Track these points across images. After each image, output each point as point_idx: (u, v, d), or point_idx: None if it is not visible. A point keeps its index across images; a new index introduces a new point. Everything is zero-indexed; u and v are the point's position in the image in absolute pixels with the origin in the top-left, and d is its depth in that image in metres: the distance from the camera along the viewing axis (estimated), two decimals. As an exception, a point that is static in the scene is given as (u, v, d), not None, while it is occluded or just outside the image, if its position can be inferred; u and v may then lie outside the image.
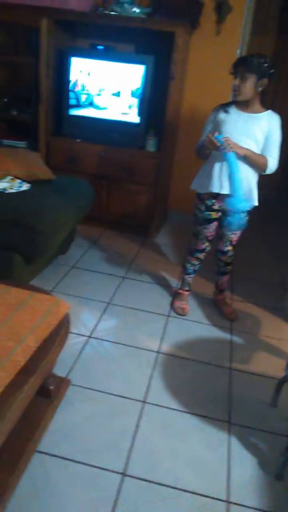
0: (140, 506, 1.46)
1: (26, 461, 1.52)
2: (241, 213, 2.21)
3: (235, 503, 1.51)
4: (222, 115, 2.20)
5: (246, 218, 2.35)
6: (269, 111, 2.18)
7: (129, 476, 1.56)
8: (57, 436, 1.67)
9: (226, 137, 2.05)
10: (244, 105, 2.16)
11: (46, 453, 1.60)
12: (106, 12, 3.18)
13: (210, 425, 1.83)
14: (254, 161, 2.15)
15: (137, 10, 3.17)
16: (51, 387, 1.74)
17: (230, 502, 1.51)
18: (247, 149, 2.12)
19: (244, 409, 1.94)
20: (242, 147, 2.10)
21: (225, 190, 2.23)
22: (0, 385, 1.26)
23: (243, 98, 2.11)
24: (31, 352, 1.43)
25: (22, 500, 1.43)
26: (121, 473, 1.56)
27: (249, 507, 1.50)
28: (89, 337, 2.29)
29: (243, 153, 2.09)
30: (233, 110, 2.19)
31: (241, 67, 2.05)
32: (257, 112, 2.16)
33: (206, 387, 2.06)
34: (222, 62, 3.46)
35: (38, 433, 1.61)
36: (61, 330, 1.61)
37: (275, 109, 2.22)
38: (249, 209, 2.26)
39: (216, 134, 2.07)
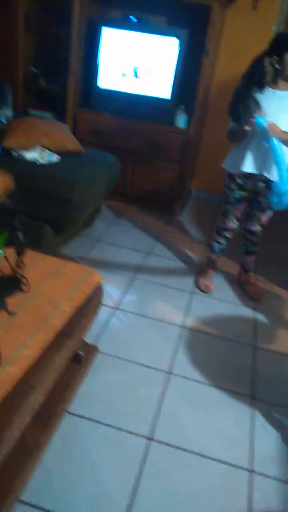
0: (166, 470, 1.51)
1: (57, 421, 1.58)
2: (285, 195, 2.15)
3: (259, 473, 1.55)
4: (256, 93, 2.15)
5: None
6: None
7: (155, 441, 1.61)
8: (86, 400, 1.73)
9: (270, 123, 2.02)
10: (275, 83, 2.13)
11: (76, 415, 1.66)
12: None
13: (234, 399, 1.87)
14: None
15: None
16: (82, 353, 1.79)
17: (254, 472, 1.55)
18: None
19: (267, 386, 1.97)
20: (284, 132, 2.06)
21: (259, 171, 2.21)
22: (40, 347, 1.31)
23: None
24: (67, 317, 1.47)
25: (54, 457, 1.49)
26: (148, 438, 1.62)
27: (272, 477, 1.55)
28: (116, 308, 2.33)
29: (285, 138, 2.06)
30: (266, 89, 2.15)
31: None
32: None
33: (230, 362, 2.09)
34: (257, 38, 3.35)
35: (69, 395, 1.66)
36: (95, 298, 1.64)
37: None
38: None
39: (259, 114, 2.03)
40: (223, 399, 1.86)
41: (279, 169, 2.06)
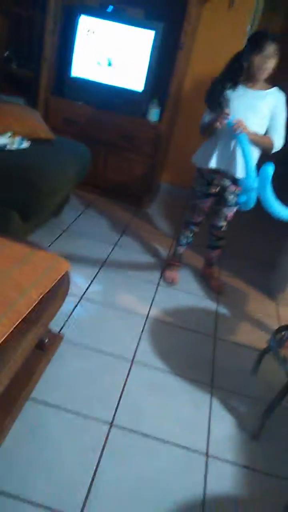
0: (125, 455, 1.56)
1: (20, 407, 1.59)
2: (254, 193, 2.19)
3: (214, 457, 1.63)
4: (228, 92, 2.19)
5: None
6: (276, 88, 2.19)
7: (116, 426, 1.66)
8: (49, 387, 1.75)
9: (239, 120, 2.06)
10: (250, 82, 2.17)
11: (39, 401, 1.68)
12: None
13: (194, 386, 1.94)
14: (262, 144, 2.20)
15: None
16: (46, 341, 1.80)
17: (209, 456, 1.63)
18: (254, 133, 2.14)
19: (226, 375, 2.05)
20: (250, 132, 2.11)
21: (226, 167, 2.27)
22: (4, 332, 1.31)
23: (266, 77, 2.13)
24: (33, 304, 1.48)
25: (16, 442, 1.50)
26: (109, 424, 1.66)
27: (226, 460, 1.63)
28: (81, 297, 2.35)
29: (251, 138, 2.11)
30: (239, 87, 2.19)
31: (274, 46, 2.02)
32: (264, 89, 2.17)
33: (191, 352, 2.16)
34: (231, 36, 3.44)
35: (32, 381, 1.67)
36: (62, 286, 1.66)
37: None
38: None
39: (227, 115, 2.08)
40: (183, 387, 1.93)
41: (247, 166, 2.09)
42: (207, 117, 2.27)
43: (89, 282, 2.51)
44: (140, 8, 3.45)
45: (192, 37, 3.40)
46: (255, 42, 2.06)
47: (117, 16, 3.23)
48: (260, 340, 2.32)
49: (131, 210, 3.61)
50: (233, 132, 2.08)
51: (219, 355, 2.18)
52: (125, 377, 1.90)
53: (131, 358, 2.01)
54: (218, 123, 2.11)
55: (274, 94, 2.17)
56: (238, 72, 2.16)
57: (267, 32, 2.07)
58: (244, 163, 2.10)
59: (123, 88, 3.34)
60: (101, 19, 3.21)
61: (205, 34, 3.51)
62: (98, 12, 3.28)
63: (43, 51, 3.33)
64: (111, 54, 3.28)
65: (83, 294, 2.38)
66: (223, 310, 2.57)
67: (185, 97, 3.72)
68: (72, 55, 3.33)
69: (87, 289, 2.44)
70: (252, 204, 2.16)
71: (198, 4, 3.14)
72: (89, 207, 3.47)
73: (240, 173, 2.25)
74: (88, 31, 3.25)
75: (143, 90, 3.32)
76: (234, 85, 2.18)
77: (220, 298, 2.68)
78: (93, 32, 3.25)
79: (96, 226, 3.20)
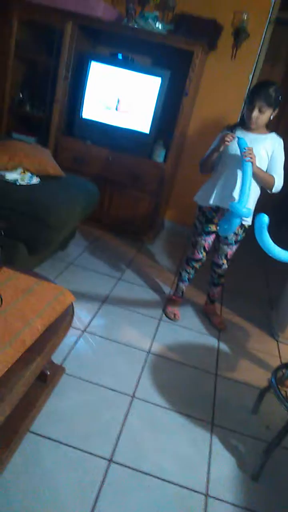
0: (124, 492, 1.54)
1: (19, 439, 1.58)
2: (238, 220, 2.24)
3: (213, 497, 1.60)
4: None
5: (243, 234, 2.48)
6: (273, 133, 2.31)
7: (115, 463, 1.64)
8: (49, 420, 1.74)
9: (251, 148, 2.15)
10: (248, 128, 2.28)
11: (38, 434, 1.67)
12: (130, 24, 3.32)
13: (194, 424, 1.92)
14: (263, 179, 2.26)
15: (160, 26, 3.32)
16: (48, 372, 1.81)
17: (209, 496, 1.60)
18: (259, 168, 2.23)
19: (226, 413, 2.04)
20: (256, 164, 2.20)
21: (226, 205, 2.35)
22: (8, 361, 1.34)
23: (257, 128, 2.25)
24: (38, 334, 1.51)
25: (14, 475, 1.49)
26: (108, 460, 1.64)
27: (225, 501, 1.59)
28: (84, 331, 2.37)
29: (255, 170, 2.19)
30: (239, 131, 2.31)
31: (261, 101, 2.14)
32: (262, 134, 2.28)
33: (192, 389, 2.15)
34: (234, 85, 3.64)
35: (32, 414, 1.68)
36: (66, 317, 1.69)
37: (278, 132, 2.36)
38: (247, 218, 2.34)
39: (233, 137, 2.18)
40: (183, 424, 1.91)
41: (242, 191, 2.15)
42: (210, 149, 2.37)
43: (92, 316, 2.53)
44: (148, 56, 3.67)
45: (196, 84, 3.59)
46: (250, 94, 2.22)
47: (126, 63, 3.43)
48: (261, 378, 2.31)
49: (135, 246, 3.68)
50: (243, 156, 2.14)
51: (220, 393, 2.17)
52: (125, 412, 1.89)
53: (132, 393, 2.01)
54: (226, 142, 2.19)
55: (272, 138, 2.28)
56: (242, 116, 2.31)
57: (261, 84, 2.22)
58: (241, 188, 2.17)
59: (130, 130, 3.50)
60: (111, 66, 3.41)
61: (209, 82, 3.70)
62: (108, 59, 3.48)
63: (55, 94, 3.52)
64: (120, 98, 3.45)
65: (86, 328, 2.40)
66: (224, 347, 2.58)
67: (189, 139, 3.88)
68: (83, 99, 3.51)
69: (90, 322, 2.47)
70: (232, 230, 2.23)
71: (203, 54, 3.34)
72: (94, 242, 3.54)
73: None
74: (99, 76, 3.43)
75: (149, 132, 3.47)
76: (242, 127, 2.31)
77: (221, 335, 2.69)
78: (103, 77, 3.43)
79: (100, 260, 3.26)
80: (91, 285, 2.86)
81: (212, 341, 2.60)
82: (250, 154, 2.13)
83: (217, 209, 2.44)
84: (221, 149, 2.26)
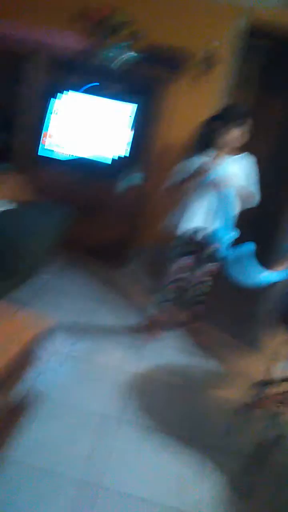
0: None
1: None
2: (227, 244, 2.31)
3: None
4: (198, 159, 2.37)
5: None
6: (246, 153, 2.42)
7: (102, 488, 1.60)
8: (31, 447, 1.70)
9: (225, 176, 2.25)
10: (223, 147, 2.36)
11: (17, 462, 1.62)
12: (101, 54, 3.41)
13: (181, 444, 1.90)
14: (246, 195, 2.35)
15: (130, 55, 3.42)
16: (26, 399, 1.77)
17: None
18: (240, 186, 2.32)
19: (214, 432, 2.03)
20: (235, 185, 2.29)
21: (204, 225, 2.40)
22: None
23: (230, 149, 2.34)
24: (12, 360, 1.48)
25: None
26: (94, 485, 1.60)
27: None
28: (64, 356, 2.34)
29: (237, 191, 2.29)
30: (212, 152, 2.37)
31: (234, 122, 2.27)
32: (236, 155, 2.38)
33: (178, 409, 2.14)
34: (206, 109, 3.72)
35: (8, 441, 1.63)
36: (42, 343, 1.67)
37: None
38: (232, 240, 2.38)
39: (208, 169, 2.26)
40: (171, 445, 1.89)
41: (226, 218, 2.25)
42: (180, 174, 2.42)
43: (73, 341, 2.50)
44: (119, 84, 3.75)
45: (169, 109, 3.69)
46: (226, 116, 2.33)
47: (97, 91, 3.49)
48: (248, 394, 2.30)
49: (113, 268, 3.67)
50: (218, 187, 2.24)
51: (207, 412, 2.15)
52: (111, 436, 1.86)
53: (116, 416, 1.98)
54: (201, 175, 2.26)
55: (246, 158, 2.40)
56: (211, 139, 2.38)
57: (232, 106, 2.33)
58: (224, 215, 2.25)
59: (105, 157, 3.54)
60: (81, 93, 3.47)
61: (181, 107, 3.79)
62: (79, 87, 3.53)
63: (25, 122, 3.55)
64: (93, 125, 3.51)
65: (66, 353, 2.37)
66: (209, 364, 2.57)
67: (165, 161, 3.93)
68: (49, 127, 3.53)
69: (70, 347, 2.43)
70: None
71: (174, 81, 3.45)
72: (70, 267, 3.52)
73: (216, 231, 2.37)
74: (70, 103, 3.49)
75: (124, 157, 3.52)
76: (207, 152, 2.38)
77: (205, 352, 2.68)
78: (74, 105, 3.49)
79: (77, 285, 3.24)
80: (69, 310, 2.84)
81: (196, 359, 2.60)
82: (226, 181, 2.24)
83: (193, 229, 2.48)
84: (199, 178, 2.31)
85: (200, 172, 2.28)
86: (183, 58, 3.54)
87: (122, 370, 2.33)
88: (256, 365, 2.66)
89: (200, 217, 2.41)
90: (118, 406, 2.04)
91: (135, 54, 3.46)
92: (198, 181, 2.29)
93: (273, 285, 2.16)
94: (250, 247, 1.99)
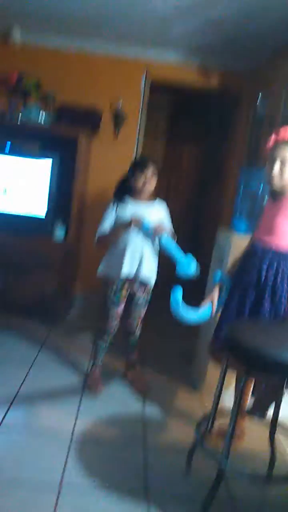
0: None
1: None
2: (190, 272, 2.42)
3: None
4: (121, 206, 2.53)
5: (151, 294, 2.62)
6: (158, 199, 2.64)
7: None
8: None
9: (158, 224, 2.43)
10: (138, 195, 2.54)
11: None
12: (14, 117, 3.50)
13: (129, 498, 1.83)
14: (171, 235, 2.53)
15: (43, 116, 3.55)
16: None
17: None
18: (169, 229, 2.54)
19: (160, 480, 1.98)
20: (167, 229, 2.51)
21: (133, 273, 2.49)
22: None
23: (146, 195, 2.54)
24: None
25: None
26: None
27: None
28: (-1, 425, 2.20)
29: (168, 231, 2.49)
30: (130, 200, 2.54)
31: (149, 170, 2.47)
32: (150, 201, 2.58)
33: (122, 463, 2.07)
34: (120, 160, 3.93)
35: None
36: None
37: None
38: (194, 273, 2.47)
39: (141, 220, 2.42)
40: (118, 502, 1.81)
41: (178, 259, 2.39)
42: (106, 224, 2.53)
43: (6, 408, 2.36)
44: (37, 141, 3.85)
45: (86, 164, 3.83)
46: (137, 168, 2.50)
47: (15, 150, 3.54)
48: (190, 435, 2.30)
49: (47, 325, 3.58)
50: (154, 235, 2.41)
51: (150, 460, 2.10)
52: (54, 505, 1.74)
53: (59, 481, 1.87)
54: (133, 225, 2.41)
55: (159, 203, 2.61)
56: (127, 190, 2.55)
57: (146, 158, 2.52)
58: (173, 256, 2.41)
59: (26, 213, 3.55)
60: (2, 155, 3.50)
61: (97, 160, 3.97)
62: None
63: None
64: (11, 184, 3.53)
65: (1, 421, 2.23)
66: (150, 410, 2.55)
67: (89, 212, 4.03)
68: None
69: (4, 416, 2.29)
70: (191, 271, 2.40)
71: (87, 138, 3.61)
72: (1, 329, 3.38)
73: (146, 277, 2.53)
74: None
75: (46, 213, 3.55)
76: (124, 199, 2.54)
77: (145, 398, 2.66)
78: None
79: (10, 348, 3.10)
80: (2, 376, 2.69)
81: (137, 407, 2.56)
82: (160, 229, 2.42)
83: (125, 278, 2.55)
84: (129, 229, 2.45)
85: (132, 221, 2.41)
86: (94, 116, 3.74)
87: (62, 430, 2.22)
88: (196, 403, 2.70)
89: (129, 265, 2.49)
90: (59, 470, 1.93)
91: (48, 115, 3.59)
92: (131, 229, 2.43)
93: (205, 321, 2.27)
94: (177, 290, 2.09)
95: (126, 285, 2.58)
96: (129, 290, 2.60)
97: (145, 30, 3.36)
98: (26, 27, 3.58)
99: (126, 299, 2.63)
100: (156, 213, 2.54)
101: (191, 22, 3.06)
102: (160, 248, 2.53)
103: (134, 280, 2.55)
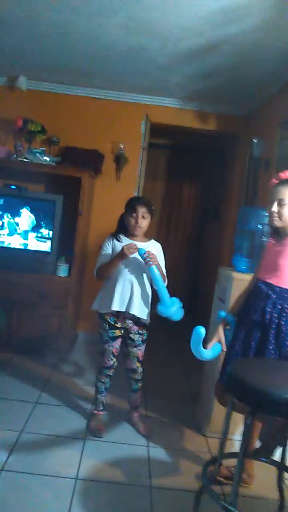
0: None
1: None
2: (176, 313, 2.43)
3: None
4: (117, 243, 2.54)
5: (147, 332, 2.63)
6: (152, 239, 2.64)
7: None
8: None
9: (148, 251, 2.38)
10: (132, 234, 2.55)
11: None
12: (20, 159, 3.63)
13: None
14: (162, 274, 2.50)
15: (47, 159, 3.67)
16: None
17: None
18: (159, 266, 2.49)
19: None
20: (159, 263, 2.46)
21: (125, 308, 2.49)
22: None
23: (140, 234, 2.55)
24: None
25: None
26: None
27: None
28: (1, 470, 2.15)
29: (158, 267, 2.45)
30: (124, 239, 2.55)
31: (143, 208, 2.48)
32: (144, 241, 2.57)
33: (127, 508, 2.01)
34: (122, 200, 4.01)
35: None
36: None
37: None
38: (178, 317, 2.47)
39: (135, 247, 2.39)
40: None
41: (160, 293, 2.38)
42: (103, 257, 2.55)
43: (9, 452, 2.32)
44: (42, 184, 3.97)
45: (89, 204, 3.93)
46: (129, 206, 2.53)
47: (20, 193, 3.66)
48: (196, 478, 2.25)
49: (50, 363, 3.56)
50: (145, 262, 2.37)
51: (157, 505, 2.05)
52: None
53: (62, 530, 1.81)
54: (128, 252, 2.37)
55: (154, 244, 2.61)
56: (122, 229, 2.59)
57: (138, 198, 2.55)
58: (158, 291, 2.39)
59: (31, 250, 3.62)
60: (5, 197, 3.61)
61: (100, 200, 4.08)
62: (2, 191, 3.69)
63: None
64: (18, 222, 3.62)
65: (2, 467, 2.18)
66: (154, 453, 2.49)
67: (91, 251, 4.09)
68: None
69: (6, 459, 2.25)
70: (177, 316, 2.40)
71: (90, 179, 3.73)
72: (5, 367, 3.36)
73: (138, 312, 2.49)
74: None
75: (51, 251, 3.62)
76: (119, 237, 2.56)
77: (150, 441, 2.61)
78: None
79: (13, 385, 3.08)
80: (4, 416, 2.66)
81: (141, 450, 2.51)
82: (152, 257, 2.37)
83: (117, 314, 2.54)
84: (125, 258, 2.43)
85: (125, 248, 2.38)
86: (96, 158, 3.87)
87: (65, 475, 2.17)
88: (201, 446, 2.65)
89: (120, 300, 2.49)
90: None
91: (52, 158, 3.72)
92: (126, 257, 2.40)
93: (209, 362, 2.25)
94: (199, 330, 2.07)
95: (119, 321, 2.56)
96: (123, 327, 2.58)
97: (143, 78, 3.55)
98: (32, 75, 3.77)
99: (121, 336, 2.61)
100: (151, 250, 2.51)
101: (188, 70, 3.24)
102: (151, 283, 2.51)
103: (126, 314, 2.52)
